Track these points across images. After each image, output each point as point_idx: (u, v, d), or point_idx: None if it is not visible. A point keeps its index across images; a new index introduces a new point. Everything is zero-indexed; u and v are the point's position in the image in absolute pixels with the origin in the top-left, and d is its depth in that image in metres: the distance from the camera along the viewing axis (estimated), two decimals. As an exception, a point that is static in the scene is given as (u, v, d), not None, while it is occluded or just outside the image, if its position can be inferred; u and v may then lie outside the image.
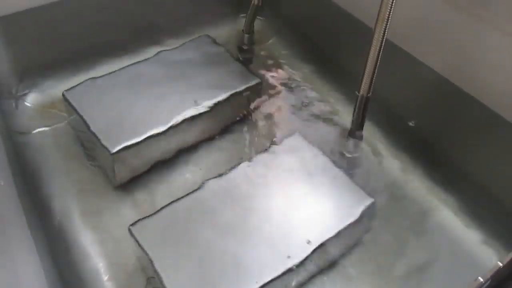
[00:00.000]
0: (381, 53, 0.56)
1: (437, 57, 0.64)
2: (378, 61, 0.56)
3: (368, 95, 0.60)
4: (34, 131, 0.67)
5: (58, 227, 0.57)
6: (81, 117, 0.61)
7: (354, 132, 0.66)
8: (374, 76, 0.58)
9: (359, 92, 0.60)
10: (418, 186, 0.64)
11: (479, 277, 0.34)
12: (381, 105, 0.69)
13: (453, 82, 0.62)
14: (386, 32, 0.54)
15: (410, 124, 0.69)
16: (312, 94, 0.76)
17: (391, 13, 0.53)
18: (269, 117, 0.72)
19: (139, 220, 0.51)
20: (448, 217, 0.61)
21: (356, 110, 0.62)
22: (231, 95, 0.66)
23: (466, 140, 0.64)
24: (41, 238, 0.48)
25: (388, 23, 0.53)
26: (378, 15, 0.54)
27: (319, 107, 0.74)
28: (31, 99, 0.71)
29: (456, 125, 0.65)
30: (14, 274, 0.42)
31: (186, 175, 0.64)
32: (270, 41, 0.86)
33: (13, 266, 0.43)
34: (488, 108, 0.59)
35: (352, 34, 0.76)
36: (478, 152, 0.63)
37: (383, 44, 0.55)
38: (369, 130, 0.70)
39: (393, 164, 0.67)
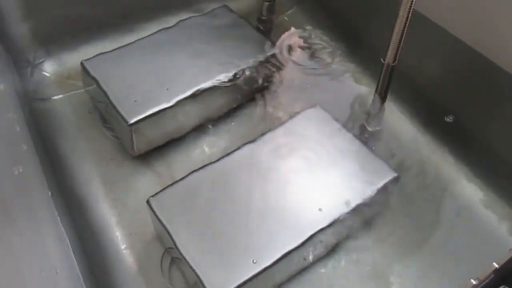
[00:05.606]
0: (408, 20, 0.54)
1: (466, 27, 0.61)
2: (405, 29, 0.55)
3: (394, 63, 0.58)
4: (51, 99, 0.67)
5: (78, 196, 0.57)
6: (99, 87, 0.60)
7: (377, 104, 0.65)
8: (401, 44, 0.56)
9: (384, 60, 0.58)
10: (441, 161, 0.63)
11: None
12: (405, 78, 0.67)
13: (482, 53, 0.60)
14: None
15: (435, 98, 0.67)
16: (334, 65, 0.74)
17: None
18: (289, 88, 0.70)
19: (157, 192, 0.51)
20: (471, 195, 0.60)
21: (381, 79, 0.60)
22: (250, 66, 0.65)
23: (493, 115, 0.62)
24: (62, 205, 0.48)
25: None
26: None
27: (340, 79, 0.72)
28: (47, 68, 0.71)
29: (483, 99, 0.62)
30: (40, 236, 0.43)
31: (204, 147, 0.63)
32: (291, 10, 0.84)
33: (38, 229, 0.44)
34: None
35: (376, 3, 0.73)
36: (505, 128, 0.61)
37: (410, 11, 0.53)
38: (391, 104, 0.68)
39: (415, 139, 0.65)
